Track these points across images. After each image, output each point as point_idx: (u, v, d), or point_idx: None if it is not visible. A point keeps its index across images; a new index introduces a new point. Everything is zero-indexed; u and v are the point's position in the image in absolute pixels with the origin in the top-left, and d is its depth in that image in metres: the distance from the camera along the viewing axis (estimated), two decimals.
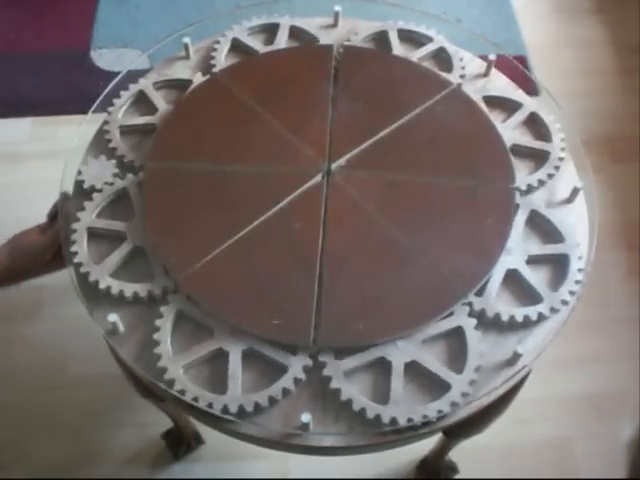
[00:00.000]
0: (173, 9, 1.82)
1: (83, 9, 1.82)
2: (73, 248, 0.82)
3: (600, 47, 1.78)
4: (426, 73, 0.97)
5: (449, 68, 0.98)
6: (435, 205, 0.86)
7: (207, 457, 1.23)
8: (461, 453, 1.15)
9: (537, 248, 0.83)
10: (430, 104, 0.93)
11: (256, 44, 1.00)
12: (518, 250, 0.82)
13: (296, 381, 0.73)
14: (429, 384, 0.74)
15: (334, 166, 0.88)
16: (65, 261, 0.83)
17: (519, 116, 0.94)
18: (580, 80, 1.71)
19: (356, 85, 0.95)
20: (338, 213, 0.84)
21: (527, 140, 0.92)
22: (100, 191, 0.86)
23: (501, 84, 0.98)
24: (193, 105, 0.93)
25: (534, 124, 0.94)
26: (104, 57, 1.73)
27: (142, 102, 0.95)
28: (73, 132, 0.88)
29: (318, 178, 0.87)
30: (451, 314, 0.77)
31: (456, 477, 1.21)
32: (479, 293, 0.79)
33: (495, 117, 0.93)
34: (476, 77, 0.98)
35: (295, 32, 1.02)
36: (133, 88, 0.95)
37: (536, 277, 0.81)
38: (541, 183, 0.88)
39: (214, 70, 0.97)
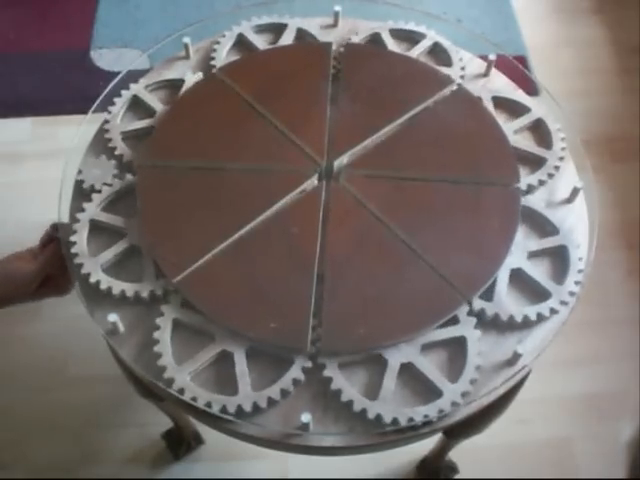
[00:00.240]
0: (173, 9, 1.82)
1: (83, 9, 1.82)
2: (73, 238, 0.81)
3: (600, 47, 1.78)
4: (427, 70, 0.96)
5: (448, 66, 0.98)
6: (439, 205, 0.84)
7: (207, 457, 1.23)
8: (461, 453, 1.15)
9: (536, 244, 0.83)
10: (432, 102, 0.92)
11: (260, 43, 1.00)
12: (519, 249, 0.81)
13: (295, 382, 0.73)
14: (422, 388, 0.74)
15: (335, 165, 0.87)
16: (47, 293, 0.84)
17: (524, 120, 0.93)
18: (580, 80, 1.71)
19: (357, 83, 0.94)
20: (338, 213, 0.83)
21: (528, 144, 0.91)
22: (99, 192, 0.85)
23: (501, 84, 0.98)
24: (190, 103, 0.92)
25: (537, 129, 0.93)
26: (104, 57, 1.72)
27: (142, 102, 0.94)
28: (73, 132, 0.88)
29: (317, 177, 0.86)
30: (457, 322, 0.76)
31: (456, 477, 1.21)
32: (489, 298, 0.78)
33: (496, 118, 0.92)
34: (476, 77, 0.98)
35: (297, 32, 1.02)
36: (133, 88, 0.94)
37: (539, 273, 0.80)
38: (541, 183, 0.88)
39: (213, 64, 0.96)
